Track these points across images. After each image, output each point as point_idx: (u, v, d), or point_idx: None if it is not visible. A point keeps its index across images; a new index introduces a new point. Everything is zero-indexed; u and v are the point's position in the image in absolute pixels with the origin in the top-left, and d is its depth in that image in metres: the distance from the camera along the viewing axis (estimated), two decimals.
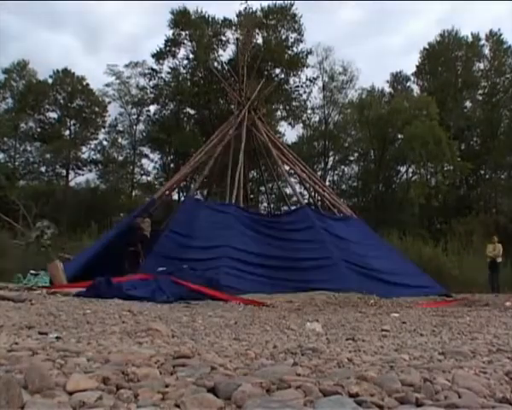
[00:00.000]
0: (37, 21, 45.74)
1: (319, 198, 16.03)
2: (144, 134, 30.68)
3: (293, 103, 30.11)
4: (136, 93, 29.88)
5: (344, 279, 9.58)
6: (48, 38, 44.49)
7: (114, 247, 11.25)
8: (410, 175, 30.41)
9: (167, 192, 15.57)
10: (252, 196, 26.87)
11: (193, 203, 12.54)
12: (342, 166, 32.45)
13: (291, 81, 29.73)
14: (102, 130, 30.99)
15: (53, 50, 43.96)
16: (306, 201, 18.17)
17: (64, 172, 29.93)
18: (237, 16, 27.83)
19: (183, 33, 28.45)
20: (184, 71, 29.68)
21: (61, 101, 29.91)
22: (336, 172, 32.59)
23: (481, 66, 30.79)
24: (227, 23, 28.38)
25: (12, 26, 42.48)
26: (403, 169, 30.39)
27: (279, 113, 30.64)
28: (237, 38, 25.14)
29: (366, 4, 44.49)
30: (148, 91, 29.94)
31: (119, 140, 31.30)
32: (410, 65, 34.09)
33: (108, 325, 3.41)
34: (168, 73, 29.38)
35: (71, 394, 1.22)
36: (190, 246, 10.33)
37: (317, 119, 31.75)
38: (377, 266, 10.61)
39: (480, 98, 31.04)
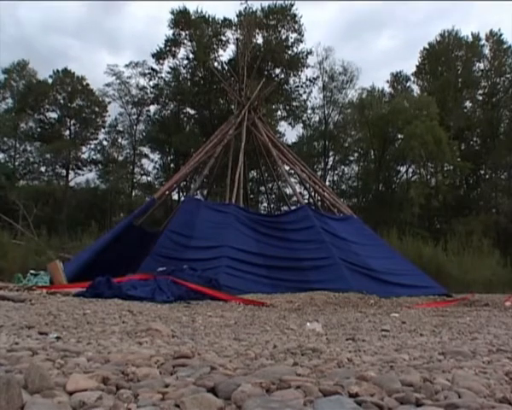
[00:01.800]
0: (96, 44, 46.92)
1: (319, 198, 16.04)
2: (144, 134, 30.70)
3: (293, 103, 30.12)
4: (136, 93, 29.91)
5: (344, 279, 9.58)
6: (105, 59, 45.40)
7: (114, 246, 11.25)
8: (410, 175, 30.45)
9: (167, 192, 15.57)
10: (252, 196, 26.89)
11: (193, 203, 12.53)
12: (342, 166, 32.48)
13: (291, 81, 29.77)
14: (102, 130, 31.03)
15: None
16: (306, 201, 18.18)
17: (64, 172, 29.94)
18: (237, 16, 27.87)
19: (183, 33, 28.47)
20: (184, 71, 29.71)
21: (61, 101, 29.91)
22: (336, 172, 32.61)
23: (481, 66, 30.81)
24: (227, 23, 28.39)
25: (72, 48, 43.73)
26: (403, 169, 30.43)
27: (279, 113, 30.66)
28: (237, 38, 25.16)
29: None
30: (148, 91, 29.97)
31: (119, 140, 31.35)
32: (410, 65, 34.24)
33: (108, 325, 3.41)
34: (168, 73, 29.41)
35: (71, 394, 1.22)
36: (190, 246, 10.33)
37: (317, 119, 31.79)
38: (377, 266, 10.61)
39: (480, 98, 31.04)
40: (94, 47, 46.82)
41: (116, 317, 4.11)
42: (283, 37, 28.61)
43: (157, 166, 31.19)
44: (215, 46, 28.68)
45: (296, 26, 28.43)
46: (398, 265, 11.35)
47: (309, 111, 31.05)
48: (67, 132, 30.46)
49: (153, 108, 30.59)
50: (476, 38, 30.07)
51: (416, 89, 32.35)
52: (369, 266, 10.44)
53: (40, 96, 28.97)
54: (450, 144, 25.47)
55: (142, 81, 29.62)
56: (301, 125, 31.46)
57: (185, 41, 28.63)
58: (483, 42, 30.17)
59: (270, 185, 23.98)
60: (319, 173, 27.60)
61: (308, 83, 29.73)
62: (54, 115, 30.39)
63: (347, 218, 13.07)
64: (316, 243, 10.57)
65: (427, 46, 31.54)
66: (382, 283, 9.95)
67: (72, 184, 30.44)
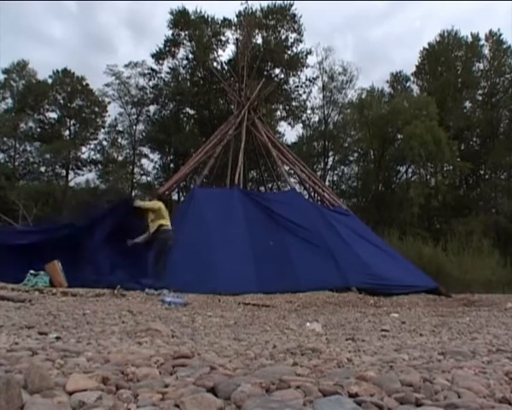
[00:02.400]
0: None
1: (319, 198, 16.03)
2: (144, 134, 30.71)
3: (293, 103, 30.15)
4: (136, 93, 29.93)
5: (343, 278, 9.60)
6: None
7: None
8: (410, 175, 30.48)
9: (167, 192, 15.56)
10: None
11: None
12: (342, 167, 32.52)
13: (291, 81, 29.82)
14: (102, 130, 31.06)
15: None
16: None
17: (64, 172, 29.97)
18: (237, 16, 27.89)
19: (183, 33, 28.48)
20: (184, 71, 29.72)
21: (61, 101, 29.94)
22: (336, 172, 32.65)
23: (481, 66, 30.85)
24: (226, 23, 28.42)
25: None
26: (402, 169, 30.45)
27: (279, 113, 30.69)
28: (237, 38, 25.17)
29: None
30: (148, 91, 30.00)
31: (119, 140, 31.38)
32: (410, 65, 34.25)
33: (108, 325, 3.40)
34: (168, 73, 29.44)
35: (70, 394, 1.22)
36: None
37: (316, 119, 31.83)
38: (377, 265, 10.59)
39: (480, 98, 31.07)
40: None
41: (116, 317, 4.11)
42: (283, 37, 28.64)
43: (157, 166, 31.25)
44: (214, 46, 28.71)
45: (296, 26, 28.47)
46: (398, 264, 11.33)
47: (309, 111, 31.13)
48: (67, 132, 30.49)
49: (152, 108, 30.67)
50: (476, 38, 30.10)
51: (415, 89, 32.46)
52: (369, 266, 10.42)
53: (40, 96, 28.99)
54: (449, 144, 25.50)
55: (142, 81, 29.69)
56: (301, 125, 31.54)
57: (185, 41, 28.68)
58: (482, 42, 30.24)
59: (269, 185, 24.00)
60: (319, 173, 27.62)
61: (308, 83, 29.80)
62: (54, 115, 30.47)
63: (347, 215, 13.06)
64: (315, 242, 10.55)
65: (426, 46, 31.60)
66: (382, 282, 9.95)
67: (71, 184, 30.50)
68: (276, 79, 27.61)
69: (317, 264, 9.79)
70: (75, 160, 29.87)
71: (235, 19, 27.93)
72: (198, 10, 28.24)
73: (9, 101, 29.60)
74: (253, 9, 27.66)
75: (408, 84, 33.06)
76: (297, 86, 29.76)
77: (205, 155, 14.08)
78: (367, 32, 44.58)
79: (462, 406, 1.20)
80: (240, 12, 27.63)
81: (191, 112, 30.63)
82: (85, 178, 30.74)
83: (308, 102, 30.53)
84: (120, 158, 31.21)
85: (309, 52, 28.99)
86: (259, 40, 27.52)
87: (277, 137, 20.04)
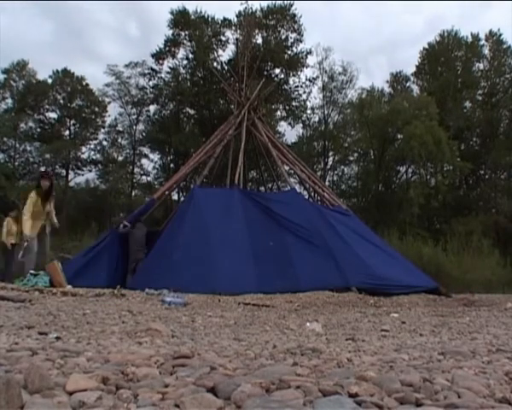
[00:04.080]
0: None
1: (319, 198, 16.02)
2: (144, 134, 30.70)
3: (293, 103, 30.15)
4: (136, 93, 29.93)
5: (343, 278, 9.60)
6: None
7: (115, 245, 11.23)
8: (410, 175, 30.48)
9: (167, 192, 15.56)
10: None
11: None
12: (342, 167, 32.53)
13: (291, 81, 29.83)
14: (102, 130, 31.04)
15: None
16: None
17: (64, 172, 29.94)
18: (237, 16, 27.90)
19: (183, 33, 28.49)
20: (184, 71, 29.74)
21: (61, 101, 29.92)
22: (336, 172, 32.65)
23: (481, 66, 30.87)
24: (226, 23, 28.43)
25: None
26: (402, 169, 30.45)
27: (279, 113, 30.69)
28: (237, 38, 25.18)
29: None
30: (148, 91, 29.99)
31: (119, 140, 31.36)
32: (410, 65, 34.29)
33: (108, 325, 3.40)
34: (168, 73, 29.45)
35: (70, 394, 1.21)
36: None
37: (316, 119, 31.83)
38: (377, 265, 10.59)
39: (480, 98, 31.07)
40: None
41: (116, 317, 4.11)
42: (283, 37, 28.65)
43: (157, 166, 31.26)
44: (215, 46, 28.72)
45: (296, 26, 28.49)
46: (397, 264, 11.33)
47: (309, 111, 31.13)
48: (67, 132, 30.48)
49: (152, 108, 30.68)
50: (476, 38, 30.10)
51: (415, 89, 32.47)
52: (369, 266, 10.42)
53: (40, 96, 28.98)
54: (449, 144, 25.51)
55: (142, 81, 29.69)
56: (301, 125, 31.53)
57: (185, 41, 28.70)
58: (482, 42, 30.25)
59: (269, 185, 23.99)
60: (319, 173, 27.61)
61: (308, 83, 29.81)
62: (53, 115, 30.45)
63: (347, 215, 13.04)
64: (315, 242, 10.54)
65: (426, 46, 31.61)
66: (382, 282, 9.95)
67: (71, 184, 30.48)
68: (276, 79, 27.62)
69: (317, 264, 9.79)
70: (75, 160, 29.85)
71: (235, 19, 27.98)
72: (198, 10, 28.30)
73: (9, 101, 29.63)
74: (253, 9, 27.70)
75: (408, 84, 33.11)
76: (297, 86, 29.80)
77: (205, 155, 14.08)
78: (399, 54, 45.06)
79: (462, 406, 1.20)
80: (240, 12, 27.67)
81: (191, 112, 30.64)
82: (85, 178, 30.78)
83: (308, 102, 30.59)
84: (120, 158, 31.23)
85: (309, 52, 29.04)
86: (259, 40, 27.55)
87: (277, 137, 20.04)
